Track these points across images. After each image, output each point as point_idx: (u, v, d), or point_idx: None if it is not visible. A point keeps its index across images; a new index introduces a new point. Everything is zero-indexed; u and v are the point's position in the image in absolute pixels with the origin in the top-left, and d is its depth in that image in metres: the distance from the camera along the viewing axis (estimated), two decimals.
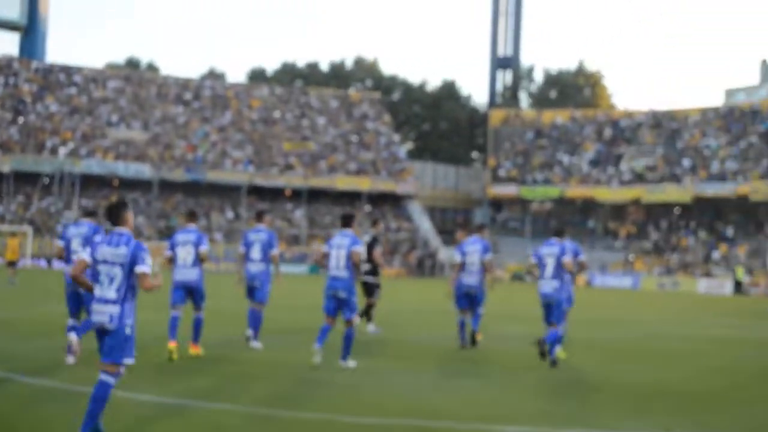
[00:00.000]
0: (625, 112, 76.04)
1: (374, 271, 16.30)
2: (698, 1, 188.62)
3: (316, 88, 79.20)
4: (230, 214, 61.24)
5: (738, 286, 48.05)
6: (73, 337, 11.04)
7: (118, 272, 7.17)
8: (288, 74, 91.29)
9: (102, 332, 7.18)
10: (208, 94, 71.16)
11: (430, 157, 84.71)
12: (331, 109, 74.48)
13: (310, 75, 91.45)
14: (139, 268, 7.16)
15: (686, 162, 63.22)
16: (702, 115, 68.78)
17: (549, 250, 12.77)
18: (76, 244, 11.41)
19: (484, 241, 14.50)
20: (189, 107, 68.69)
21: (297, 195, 63.71)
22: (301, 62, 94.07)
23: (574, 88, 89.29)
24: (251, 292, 13.50)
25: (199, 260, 12.42)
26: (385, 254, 56.37)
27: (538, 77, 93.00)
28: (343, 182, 64.54)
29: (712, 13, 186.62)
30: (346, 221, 12.06)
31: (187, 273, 12.41)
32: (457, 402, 9.42)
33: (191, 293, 12.44)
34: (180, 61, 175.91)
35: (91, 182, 58.22)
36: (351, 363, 11.66)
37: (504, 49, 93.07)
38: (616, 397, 10.05)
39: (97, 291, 7.23)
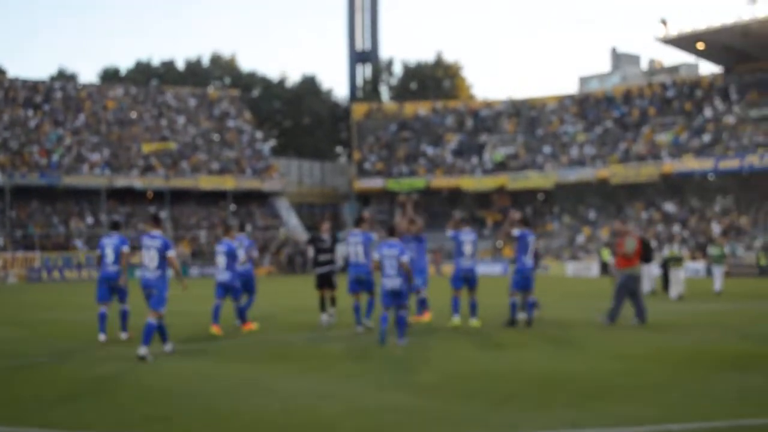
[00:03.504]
0: (484, 102, 76.98)
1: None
2: None
3: (173, 87, 77.16)
4: (90, 220, 58.93)
5: (604, 267, 49.12)
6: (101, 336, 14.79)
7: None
8: (143, 73, 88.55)
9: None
10: (59, 96, 68.31)
11: (294, 153, 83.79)
12: (189, 107, 72.74)
13: (166, 73, 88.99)
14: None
15: (546, 149, 64.46)
16: (559, 102, 70.26)
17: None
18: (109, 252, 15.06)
19: (367, 234, 16.25)
20: (40, 110, 65.76)
21: (159, 197, 61.83)
22: (156, 60, 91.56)
23: (433, 80, 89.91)
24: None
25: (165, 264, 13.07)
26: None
27: (398, 70, 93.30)
28: (206, 182, 63.03)
29: (563, 2, 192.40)
30: (391, 232, 14.65)
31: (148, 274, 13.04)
32: (342, 408, 8.72)
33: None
34: (28, 62, 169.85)
35: None
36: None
37: (362, 43, 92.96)
38: (517, 390, 9.56)
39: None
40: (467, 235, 16.75)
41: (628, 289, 16.87)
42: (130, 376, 10.96)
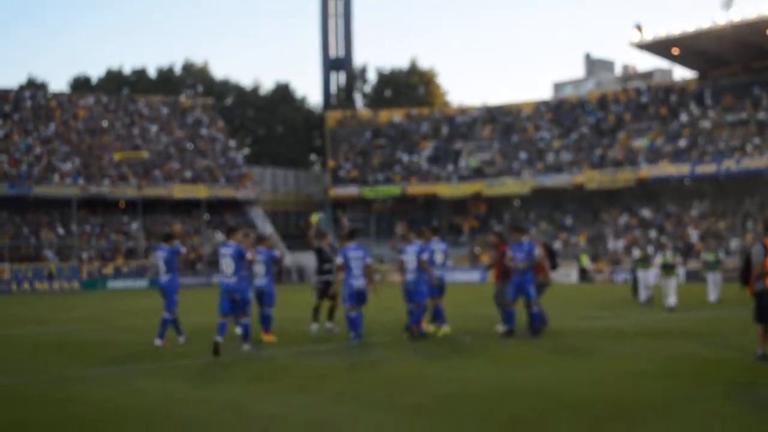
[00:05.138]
0: (459, 109, 76.70)
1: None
2: None
3: (144, 96, 76.24)
4: (61, 230, 57.90)
5: (583, 273, 48.82)
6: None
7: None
8: (114, 82, 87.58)
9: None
10: (28, 104, 67.25)
11: (268, 161, 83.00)
12: (162, 116, 71.88)
13: (138, 82, 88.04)
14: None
15: (522, 155, 64.16)
16: (534, 108, 70.04)
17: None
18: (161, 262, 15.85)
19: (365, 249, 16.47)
20: (9, 119, 64.66)
21: (132, 206, 60.93)
22: (127, 68, 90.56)
23: (408, 87, 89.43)
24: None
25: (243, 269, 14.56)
26: None
27: (372, 77, 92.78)
28: (180, 191, 62.21)
29: (536, 8, 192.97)
30: (436, 231, 17.37)
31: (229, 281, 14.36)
32: None
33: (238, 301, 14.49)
34: None
35: None
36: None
37: (336, 50, 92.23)
38: (521, 411, 8.90)
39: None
40: (411, 247, 16.55)
41: (504, 297, 16.46)
42: (98, 400, 10.18)
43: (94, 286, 52.80)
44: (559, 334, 16.65)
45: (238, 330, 15.55)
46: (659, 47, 58.57)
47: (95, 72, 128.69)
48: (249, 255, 14.29)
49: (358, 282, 15.44)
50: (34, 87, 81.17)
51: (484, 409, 9.08)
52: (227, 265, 14.20)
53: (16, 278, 51.40)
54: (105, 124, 67.96)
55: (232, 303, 14.28)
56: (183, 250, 16.14)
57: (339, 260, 15.69)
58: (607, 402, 9.30)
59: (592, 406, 9.09)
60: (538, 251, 16.25)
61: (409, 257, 16.26)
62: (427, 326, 16.87)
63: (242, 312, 14.37)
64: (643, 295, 25.84)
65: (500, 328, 16.69)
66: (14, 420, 9.00)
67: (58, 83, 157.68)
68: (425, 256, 16.18)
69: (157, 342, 15.63)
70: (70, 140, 64.58)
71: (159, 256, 16.00)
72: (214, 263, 56.89)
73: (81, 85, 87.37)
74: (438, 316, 16.95)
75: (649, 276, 25.53)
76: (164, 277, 15.84)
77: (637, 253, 26.29)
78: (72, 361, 14.02)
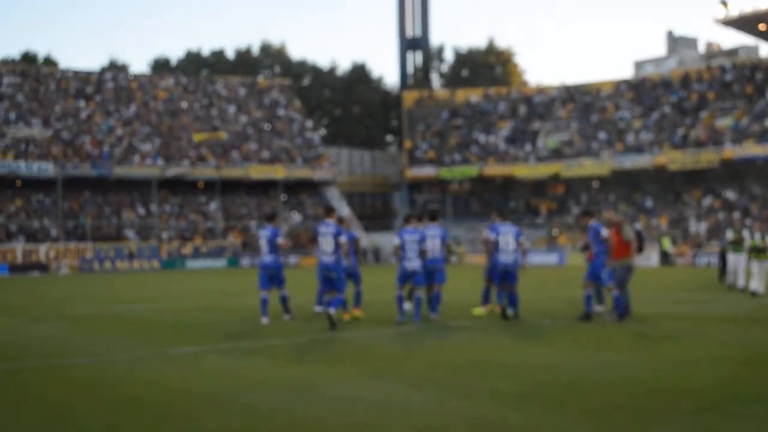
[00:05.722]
0: (537, 88, 75.59)
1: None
2: None
3: (223, 77, 76.91)
4: (141, 210, 58.81)
5: (664, 256, 47.75)
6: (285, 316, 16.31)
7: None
8: (193, 63, 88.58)
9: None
10: (110, 86, 68.35)
11: (344, 142, 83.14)
12: (239, 97, 72.42)
13: (216, 63, 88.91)
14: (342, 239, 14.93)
15: (602, 135, 63.04)
16: (614, 87, 68.71)
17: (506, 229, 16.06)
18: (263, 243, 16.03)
19: (444, 229, 16.64)
20: (91, 101, 65.83)
21: (210, 187, 61.59)
22: (206, 50, 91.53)
23: (485, 67, 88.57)
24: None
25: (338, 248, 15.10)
26: (306, 243, 54.74)
27: (449, 57, 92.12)
28: (257, 171, 62.63)
29: None
30: (505, 216, 16.61)
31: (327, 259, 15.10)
32: (415, 422, 7.77)
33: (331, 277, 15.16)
34: (79, 53, 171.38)
35: None
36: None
37: (413, 30, 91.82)
38: (609, 401, 8.52)
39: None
40: (505, 227, 16.33)
41: (621, 280, 15.81)
42: (171, 380, 10.11)
43: (174, 265, 53.55)
44: (643, 318, 16.18)
45: (318, 309, 15.79)
46: (745, 23, 56.89)
47: (175, 53, 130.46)
48: (343, 237, 14.97)
49: (411, 264, 15.46)
50: (116, 69, 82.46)
51: (571, 396, 8.73)
52: (327, 243, 14.82)
53: (99, 257, 52.38)
54: (184, 105, 68.76)
55: (327, 280, 15.02)
56: (281, 237, 16.31)
57: (396, 241, 15.76)
58: (702, 390, 8.88)
59: (686, 394, 8.69)
60: (604, 232, 15.71)
61: (508, 238, 15.92)
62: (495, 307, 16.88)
63: (337, 289, 14.82)
64: (730, 278, 24.97)
65: (598, 308, 16.57)
66: (82, 402, 8.99)
67: (139, 65, 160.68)
68: (524, 239, 16.08)
69: (285, 317, 16.24)
70: (151, 121, 65.49)
71: (262, 236, 16.13)
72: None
73: (161, 66, 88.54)
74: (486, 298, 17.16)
75: (740, 260, 24.49)
76: (268, 257, 16.02)
77: (730, 234, 25.12)
78: (149, 341, 14.06)
